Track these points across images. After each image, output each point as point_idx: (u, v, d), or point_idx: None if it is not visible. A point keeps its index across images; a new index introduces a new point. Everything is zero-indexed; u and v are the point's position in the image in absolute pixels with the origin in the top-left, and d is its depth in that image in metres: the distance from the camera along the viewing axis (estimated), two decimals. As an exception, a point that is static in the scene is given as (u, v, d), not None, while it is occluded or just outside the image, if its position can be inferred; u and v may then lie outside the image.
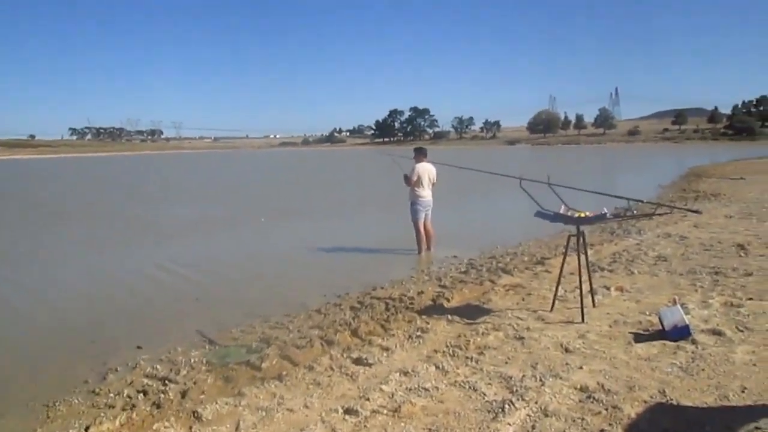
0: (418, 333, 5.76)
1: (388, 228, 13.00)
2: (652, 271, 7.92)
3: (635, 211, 5.70)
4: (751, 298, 6.26)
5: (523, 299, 6.87)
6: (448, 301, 7.03)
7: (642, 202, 5.59)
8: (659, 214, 5.82)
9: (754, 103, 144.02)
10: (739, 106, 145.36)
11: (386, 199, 19.09)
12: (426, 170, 10.27)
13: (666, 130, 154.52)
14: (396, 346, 5.39)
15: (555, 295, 6.34)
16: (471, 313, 6.41)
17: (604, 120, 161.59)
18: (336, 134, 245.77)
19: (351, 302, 7.30)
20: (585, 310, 6.01)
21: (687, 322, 5.07)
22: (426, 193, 10.27)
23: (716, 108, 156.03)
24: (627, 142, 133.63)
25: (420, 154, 10.37)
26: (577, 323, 5.81)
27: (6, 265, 10.74)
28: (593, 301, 6.37)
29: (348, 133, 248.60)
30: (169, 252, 11.52)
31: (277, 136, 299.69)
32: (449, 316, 6.24)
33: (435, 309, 6.71)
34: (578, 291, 6.21)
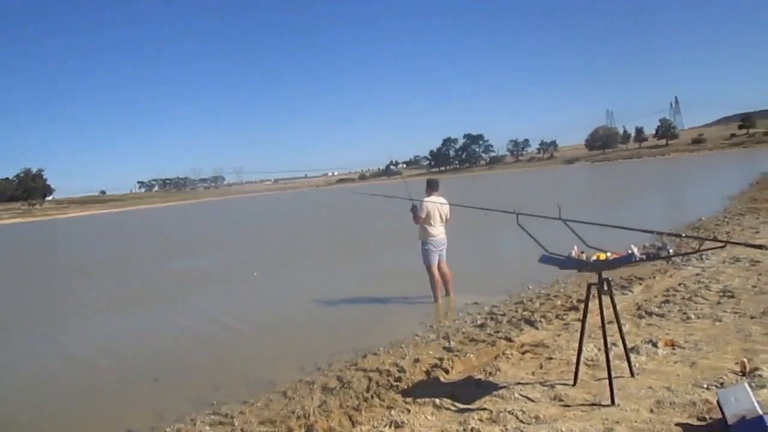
0: (391, 429, 4.31)
1: (409, 269, 11.51)
2: (714, 314, 6.21)
3: (670, 250, 4.06)
4: None
5: (541, 366, 5.31)
6: (447, 372, 5.54)
7: (681, 237, 4.04)
8: (706, 250, 4.21)
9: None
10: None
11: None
12: (438, 205, 8.84)
13: (733, 135, 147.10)
14: (353, 455, 3.97)
15: (577, 365, 4.77)
16: (469, 391, 4.93)
17: (666, 130, 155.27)
18: (392, 167, 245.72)
19: (328, 379, 5.90)
20: (620, 381, 4.47)
21: (760, 411, 3.44)
22: (438, 231, 8.82)
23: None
24: (692, 152, 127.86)
25: (431, 188, 8.96)
26: (605, 406, 4.24)
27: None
28: (630, 368, 4.76)
29: (404, 165, 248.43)
30: (130, 320, 10.46)
31: (335, 173, 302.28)
32: (438, 400, 4.76)
33: (426, 386, 5.25)
34: (615, 348, 4.66)
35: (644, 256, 4.22)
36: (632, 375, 4.74)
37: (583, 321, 4.69)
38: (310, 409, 4.99)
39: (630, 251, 4.25)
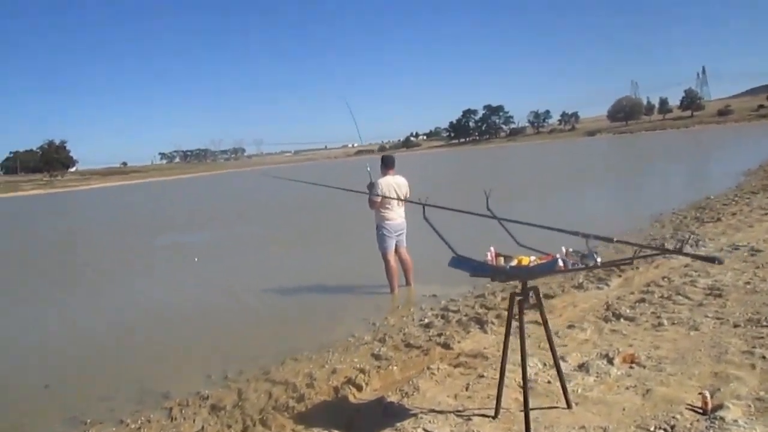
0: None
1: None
2: (692, 320, 5.20)
3: (598, 260, 3.07)
4: None
5: (467, 387, 4.36)
6: (359, 390, 4.64)
7: (612, 241, 3.04)
8: (643, 257, 3.19)
9: None
10: None
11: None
12: (394, 185, 7.86)
13: (761, 106, 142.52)
14: None
15: (499, 393, 3.81)
16: (372, 419, 4.02)
17: (691, 101, 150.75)
18: (412, 138, 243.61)
19: (226, 393, 5.05)
20: (551, 415, 3.57)
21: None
22: (395, 215, 7.85)
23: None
24: (718, 123, 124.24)
25: (386, 166, 7.95)
26: (522, 453, 3.30)
27: None
28: (567, 398, 3.80)
29: (425, 137, 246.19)
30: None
31: (355, 145, 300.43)
32: (330, 432, 3.86)
33: (328, 408, 4.37)
34: (558, 367, 3.74)
35: (569, 264, 3.23)
36: (568, 406, 3.78)
37: (506, 340, 3.72)
38: (181, 439, 4.12)
39: (557, 256, 3.27)
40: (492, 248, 3.57)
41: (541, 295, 3.70)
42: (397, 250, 7.98)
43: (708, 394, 3.53)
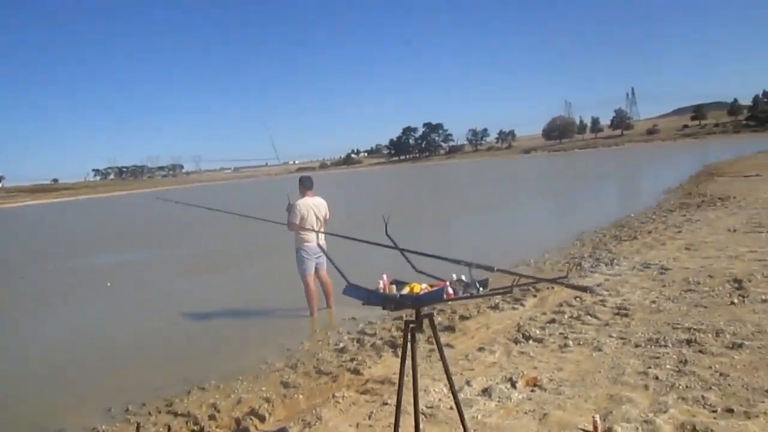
0: None
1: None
2: (596, 340, 5.30)
3: (480, 288, 3.07)
4: (731, 410, 3.61)
5: (370, 416, 4.30)
6: (262, 421, 4.52)
7: (492, 270, 3.07)
8: (521, 286, 3.20)
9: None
10: (760, 96, 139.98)
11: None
12: (313, 207, 7.77)
13: (686, 126, 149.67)
14: None
15: (396, 425, 3.74)
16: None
17: (621, 121, 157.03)
18: (353, 155, 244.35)
19: (124, 427, 4.84)
20: None
21: None
22: (314, 236, 7.73)
23: (736, 100, 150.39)
24: (645, 142, 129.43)
25: (304, 187, 7.85)
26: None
27: None
28: (464, 426, 3.76)
29: (366, 154, 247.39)
30: None
31: (296, 162, 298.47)
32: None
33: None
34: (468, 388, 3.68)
35: (459, 291, 3.22)
36: (466, 435, 3.75)
37: (401, 367, 3.65)
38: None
39: (447, 283, 3.25)
40: (384, 276, 3.53)
41: (435, 322, 3.67)
42: (317, 273, 7.87)
43: (598, 419, 3.57)
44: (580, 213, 18.47)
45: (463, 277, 3.22)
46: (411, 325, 3.52)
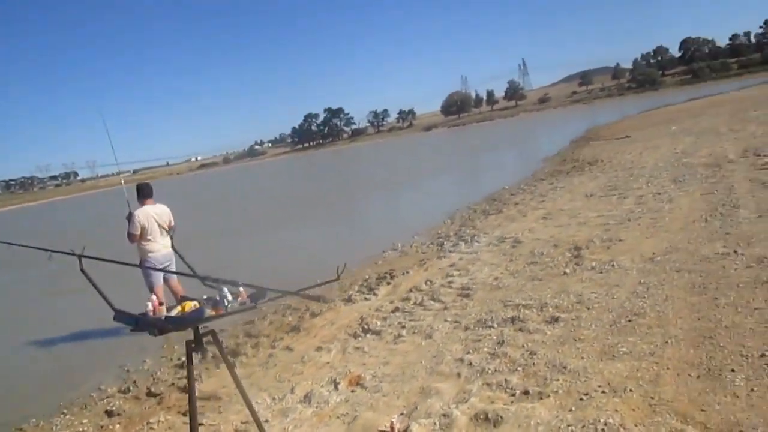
0: None
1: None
2: (430, 327, 5.26)
3: (231, 301, 2.89)
4: (527, 392, 3.62)
5: (180, 440, 4.06)
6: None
7: (239, 285, 2.91)
8: (267, 302, 3.04)
9: (652, 54, 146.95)
10: (639, 59, 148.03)
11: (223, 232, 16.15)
12: (153, 215, 7.35)
13: (574, 92, 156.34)
14: None
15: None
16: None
17: (514, 92, 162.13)
18: (257, 146, 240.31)
19: None
20: None
21: None
22: (158, 246, 7.34)
23: (618, 64, 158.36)
24: (539, 111, 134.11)
25: (143, 195, 7.42)
26: None
27: None
28: (266, 441, 3.60)
29: (270, 144, 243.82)
30: None
31: (199, 158, 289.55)
32: None
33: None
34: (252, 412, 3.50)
35: (219, 311, 3.04)
36: (269, 451, 3.60)
37: (189, 383, 3.41)
38: None
39: (204, 303, 3.05)
40: (154, 297, 3.29)
41: (220, 340, 3.47)
42: (168, 284, 7.49)
43: (396, 420, 3.49)
44: (460, 189, 18.79)
45: (216, 296, 3.04)
46: (192, 345, 3.33)
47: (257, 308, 3.17)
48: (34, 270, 15.45)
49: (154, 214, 7.35)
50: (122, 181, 8.85)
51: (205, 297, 3.05)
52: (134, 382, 5.65)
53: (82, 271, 3.30)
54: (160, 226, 7.34)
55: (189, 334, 3.31)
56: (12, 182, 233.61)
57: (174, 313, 3.21)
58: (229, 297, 2.97)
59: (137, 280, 7.21)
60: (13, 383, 6.66)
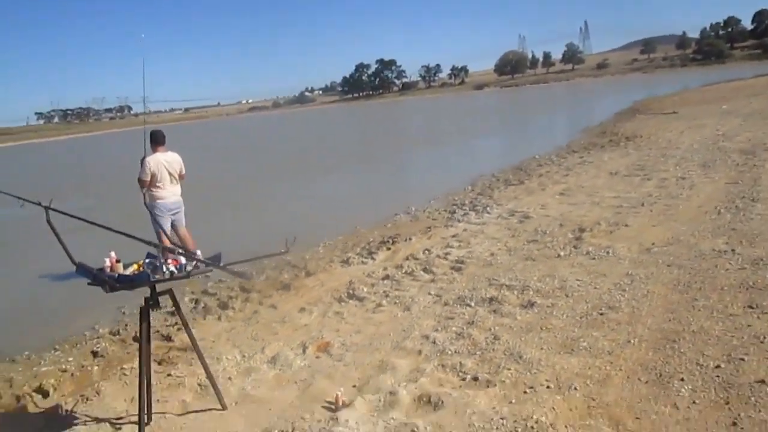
0: None
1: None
2: (412, 298, 5.28)
3: (171, 269, 2.97)
4: (476, 378, 3.61)
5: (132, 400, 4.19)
6: (45, 397, 4.40)
7: (196, 255, 2.94)
8: (200, 273, 3.08)
9: (722, 25, 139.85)
10: (708, 29, 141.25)
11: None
12: (164, 162, 7.47)
13: (635, 60, 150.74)
14: None
15: (142, 401, 3.62)
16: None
17: (572, 55, 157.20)
18: (307, 93, 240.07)
19: None
20: (202, 420, 3.49)
21: None
22: (168, 193, 7.49)
23: (684, 33, 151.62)
24: (595, 77, 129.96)
25: (156, 142, 7.53)
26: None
27: None
28: (220, 400, 3.71)
29: (320, 92, 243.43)
30: None
31: (249, 101, 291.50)
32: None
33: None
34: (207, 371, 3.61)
35: (169, 272, 3.10)
36: (223, 408, 3.70)
37: (140, 353, 3.49)
38: None
39: (147, 266, 3.12)
40: (112, 253, 3.37)
41: (177, 298, 3.55)
42: (176, 230, 7.66)
43: (341, 393, 3.54)
44: (492, 153, 18.53)
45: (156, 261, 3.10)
46: (150, 302, 3.43)
47: (190, 277, 3.26)
48: (59, 202, 15.96)
49: (164, 161, 7.47)
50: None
51: (147, 260, 3.10)
52: (125, 325, 5.85)
53: (48, 222, 3.40)
54: (170, 173, 7.47)
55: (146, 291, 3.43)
56: (69, 112, 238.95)
57: (129, 272, 3.29)
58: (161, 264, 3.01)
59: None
60: (20, 315, 6.96)
